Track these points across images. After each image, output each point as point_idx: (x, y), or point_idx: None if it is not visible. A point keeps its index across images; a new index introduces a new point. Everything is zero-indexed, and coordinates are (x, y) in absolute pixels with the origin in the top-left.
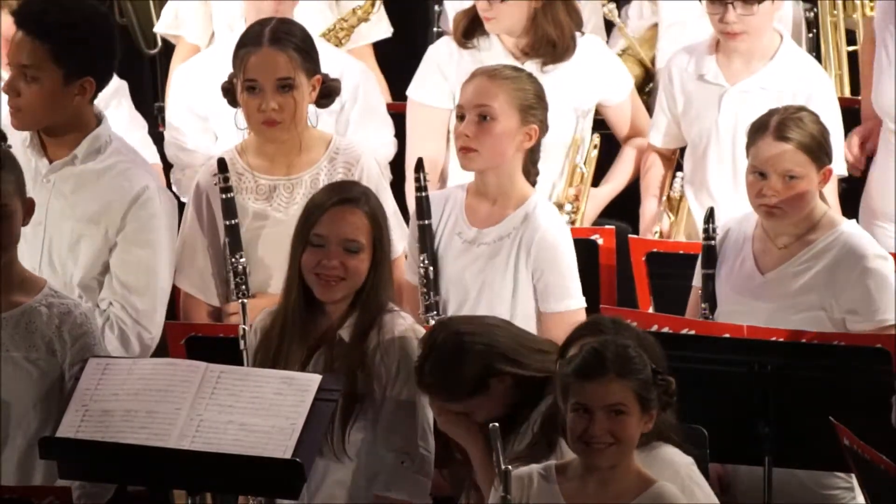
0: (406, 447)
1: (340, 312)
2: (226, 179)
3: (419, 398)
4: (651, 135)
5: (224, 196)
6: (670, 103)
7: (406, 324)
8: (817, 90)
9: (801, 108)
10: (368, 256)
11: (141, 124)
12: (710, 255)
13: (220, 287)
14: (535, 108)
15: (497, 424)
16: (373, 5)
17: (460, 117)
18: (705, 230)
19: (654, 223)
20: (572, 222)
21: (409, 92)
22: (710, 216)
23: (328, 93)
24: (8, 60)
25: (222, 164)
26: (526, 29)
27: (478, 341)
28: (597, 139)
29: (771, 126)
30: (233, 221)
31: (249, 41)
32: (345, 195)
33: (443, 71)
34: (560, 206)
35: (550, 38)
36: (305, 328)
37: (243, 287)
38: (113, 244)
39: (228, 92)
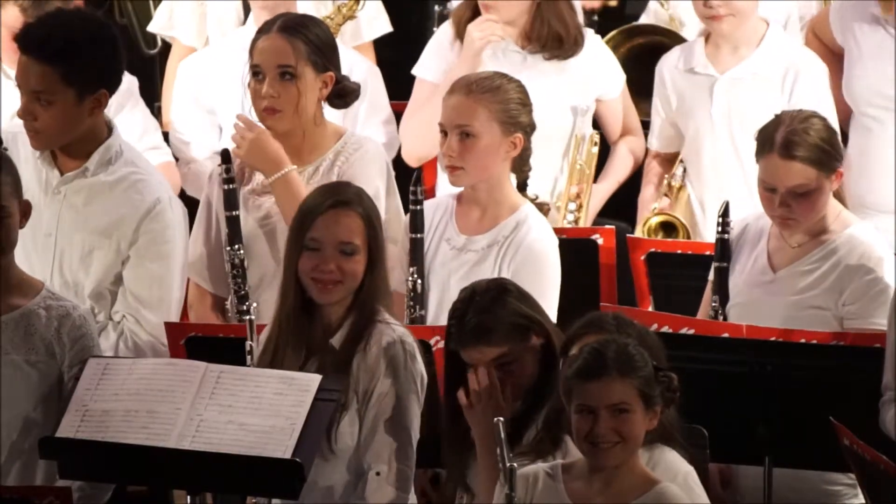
0: (384, 459)
1: (336, 317)
2: (228, 170)
3: (403, 410)
4: (649, 140)
5: (226, 187)
6: (664, 105)
7: (395, 334)
8: (805, 69)
9: (809, 116)
10: (364, 258)
11: (154, 126)
12: (724, 249)
13: (222, 277)
14: (517, 115)
15: (502, 419)
16: (357, 2)
17: (443, 133)
18: (719, 224)
19: (650, 204)
20: (576, 221)
21: (414, 70)
22: (725, 211)
23: (342, 93)
24: (18, 85)
25: (226, 155)
26: (528, 22)
27: (517, 291)
28: (596, 136)
29: (777, 143)
30: (234, 213)
31: (263, 28)
32: (338, 197)
33: (446, 50)
34: (563, 206)
35: (557, 32)
36: (301, 333)
37: (239, 280)
38: (125, 257)
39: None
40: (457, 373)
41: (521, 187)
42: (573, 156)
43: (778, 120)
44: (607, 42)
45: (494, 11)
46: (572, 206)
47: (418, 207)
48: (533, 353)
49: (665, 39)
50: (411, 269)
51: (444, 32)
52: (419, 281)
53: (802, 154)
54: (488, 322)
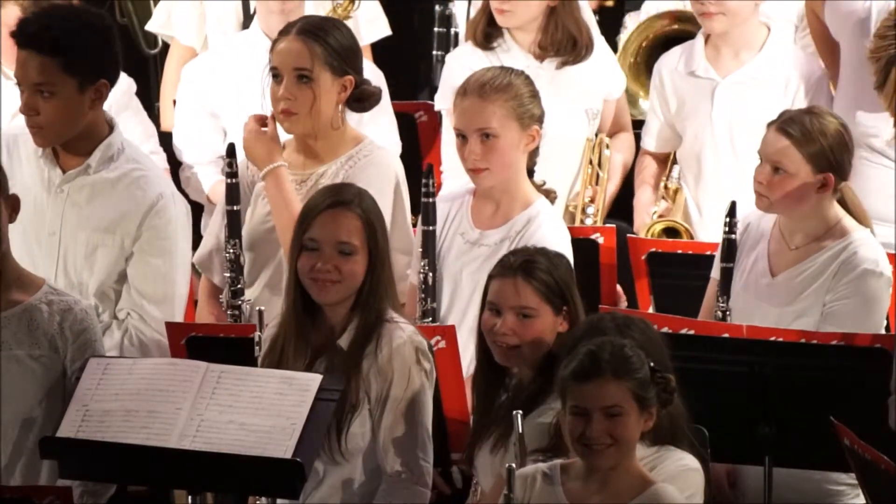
0: (405, 459)
1: (340, 318)
2: (231, 164)
3: (418, 409)
4: (644, 140)
5: (229, 181)
6: (663, 107)
7: (405, 335)
8: (807, 76)
9: (830, 115)
10: (363, 258)
11: (152, 131)
12: (731, 249)
13: (222, 267)
14: (531, 108)
15: (521, 412)
16: (353, 3)
17: (461, 137)
18: (726, 224)
19: (649, 207)
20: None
21: (440, 104)
22: (731, 211)
23: (362, 97)
24: (18, 80)
25: (231, 150)
26: (541, 26)
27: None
28: (607, 139)
29: (782, 117)
30: (234, 207)
31: (283, 30)
32: (337, 197)
33: (462, 75)
34: (579, 209)
35: (572, 34)
36: (306, 333)
37: (235, 274)
38: (129, 253)
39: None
40: (490, 365)
41: (529, 174)
42: (586, 159)
43: (803, 108)
44: (636, 33)
45: (510, 16)
46: (590, 209)
47: (430, 200)
48: (551, 324)
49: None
50: (423, 262)
51: (460, 57)
52: (430, 274)
53: (794, 134)
54: (536, 267)
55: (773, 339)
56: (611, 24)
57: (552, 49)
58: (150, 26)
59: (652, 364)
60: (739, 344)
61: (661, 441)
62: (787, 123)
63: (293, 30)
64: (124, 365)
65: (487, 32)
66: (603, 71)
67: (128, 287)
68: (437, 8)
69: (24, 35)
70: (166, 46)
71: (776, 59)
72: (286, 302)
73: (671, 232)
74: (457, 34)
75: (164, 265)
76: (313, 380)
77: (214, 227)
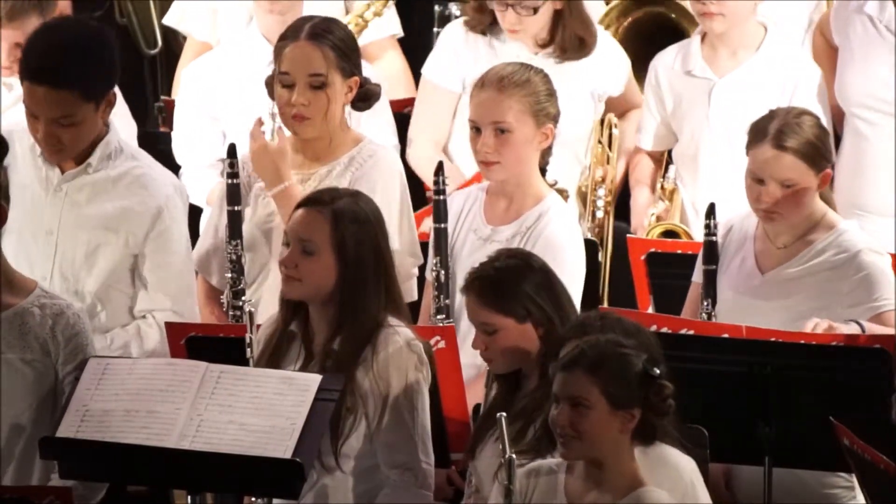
0: (409, 463)
1: (326, 324)
2: (232, 165)
3: (418, 412)
4: (639, 138)
5: (230, 181)
6: (658, 106)
7: (401, 341)
8: (804, 78)
9: (803, 112)
10: (329, 261)
11: (133, 133)
12: (712, 252)
13: (221, 268)
14: (547, 106)
15: (504, 414)
16: (386, 1)
17: (475, 129)
18: (706, 226)
19: (647, 209)
20: (606, 209)
21: (424, 70)
22: (710, 212)
23: (366, 96)
24: (33, 114)
25: (232, 150)
26: (546, 30)
27: (543, 276)
28: (615, 119)
29: (770, 132)
30: (235, 208)
31: (289, 34)
32: (312, 196)
33: (458, 54)
34: (590, 190)
35: (580, 35)
36: (296, 335)
37: (236, 275)
38: (138, 253)
39: (269, 85)
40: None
41: (541, 172)
42: (595, 141)
43: (772, 114)
44: (604, 16)
45: (522, 32)
46: (601, 192)
47: (441, 197)
48: (515, 332)
49: (664, 10)
50: (435, 260)
51: (454, 34)
52: (443, 271)
53: (794, 146)
54: (492, 284)
55: (772, 339)
56: None
57: (559, 49)
58: (167, 20)
59: (658, 371)
60: (739, 344)
61: (645, 441)
62: (779, 138)
63: (301, 34)
64: (124, 365)
65: (484, 30)
66: (606, 57)
67: (145, 288)
68: (437, 8)
69: (36, 71)
70: (166, 46)
71: (774, 58)
72: (279, 304)
73: (670, 235)
74: None
75: (179, 262)
76: (313, 380)
77: (211, 227)
